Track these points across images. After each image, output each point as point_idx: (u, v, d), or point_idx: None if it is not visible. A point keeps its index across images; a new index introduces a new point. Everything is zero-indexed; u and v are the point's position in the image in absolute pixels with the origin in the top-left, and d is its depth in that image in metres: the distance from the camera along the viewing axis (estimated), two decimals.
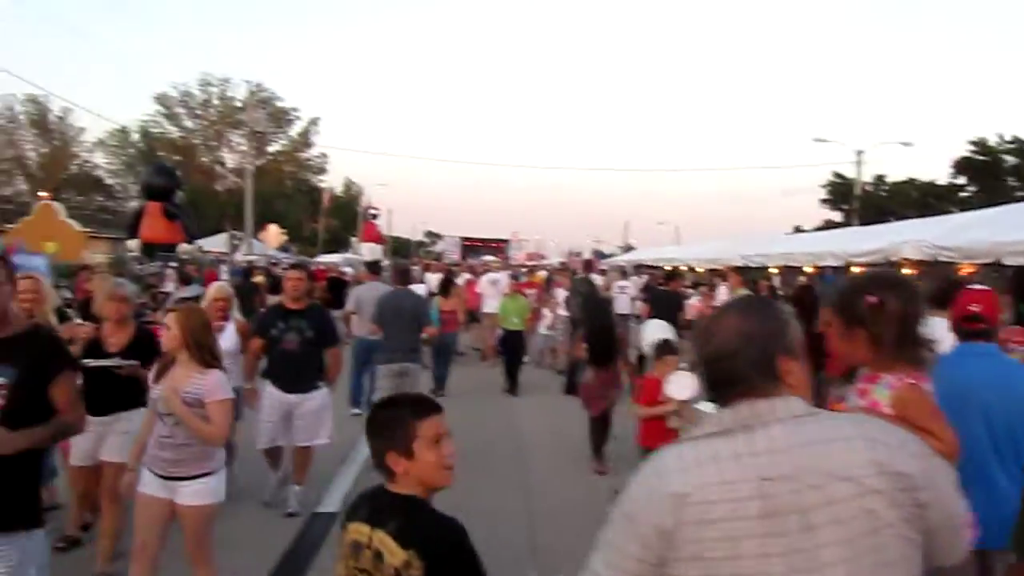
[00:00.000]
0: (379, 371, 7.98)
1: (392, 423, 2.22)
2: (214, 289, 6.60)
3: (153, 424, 4.01)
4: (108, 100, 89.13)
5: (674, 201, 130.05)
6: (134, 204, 32.32)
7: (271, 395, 6.26)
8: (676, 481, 1.50)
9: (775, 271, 19.00)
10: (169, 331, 4.01)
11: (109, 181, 57.38)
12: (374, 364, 8.50)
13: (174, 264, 23.48)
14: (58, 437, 3.16)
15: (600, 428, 7.45)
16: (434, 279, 15.42)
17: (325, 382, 6.44)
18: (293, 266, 7.26)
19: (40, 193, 44.79)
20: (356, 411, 9.46)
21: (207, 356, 3.99)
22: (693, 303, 12.90)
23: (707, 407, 4.50)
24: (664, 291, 11.44)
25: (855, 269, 11.12)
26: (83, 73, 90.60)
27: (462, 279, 16.85)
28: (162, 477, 3.92)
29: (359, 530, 2.21)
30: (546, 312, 13.64)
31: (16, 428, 2.72)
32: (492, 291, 14.87)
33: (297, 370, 6.15)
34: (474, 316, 15.41)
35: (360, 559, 2.17)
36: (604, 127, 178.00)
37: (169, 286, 21.37)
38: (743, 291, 10.10)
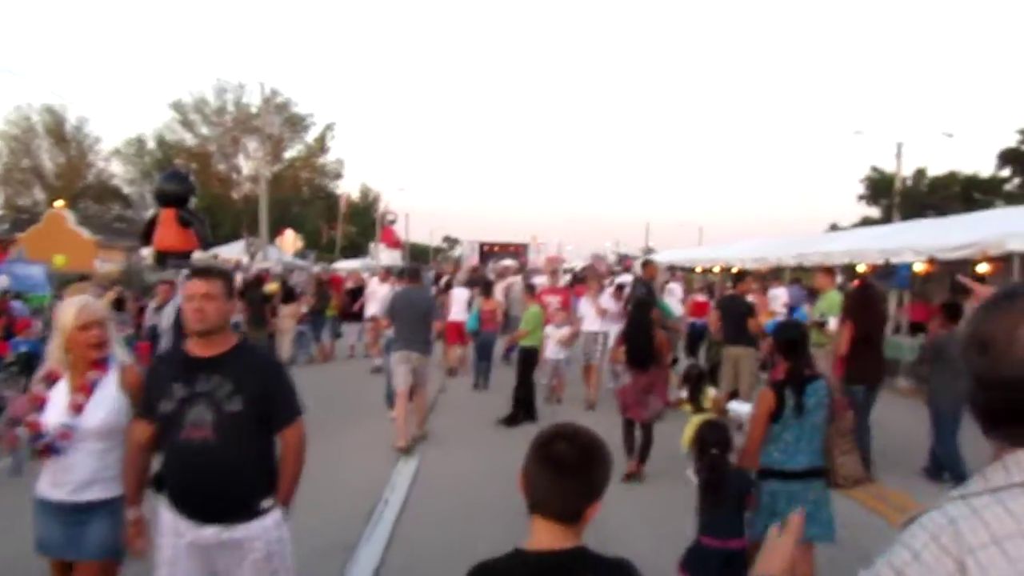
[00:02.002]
0: (392, 357, 8.51)
1: (607, 465, 1.88)
2: (74, 307, 3.37)
3: None
4: (124, 109, 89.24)
5: (694, 202, 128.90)
6: (150, 212, 31.73)
7: (170, 529, 3.12)
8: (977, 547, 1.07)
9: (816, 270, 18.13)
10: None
11: (126, 190, 57.37)
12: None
13: (185, 271, 22.78)
14: None
15: (632, 433, 7.17)
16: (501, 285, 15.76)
17: (274, 499, 3.20)
18: (197, 272, 3.31)
19: (56, 203, 44.74)
20: (391, 414, 8.79)
21: None
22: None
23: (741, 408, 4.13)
24: (732, 298, 9.69)
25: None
26: (99, 81, 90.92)
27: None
28: None
29: None
30: (561, 327, 10.50)
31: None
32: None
33: (212, 479, 3.03)
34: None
35: None
36: (624, 124, 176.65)
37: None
38: (833, 293, 8.73)
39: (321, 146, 52.15)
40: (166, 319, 7.87)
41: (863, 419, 7.08)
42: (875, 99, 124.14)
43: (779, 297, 13.65)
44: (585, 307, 10.83)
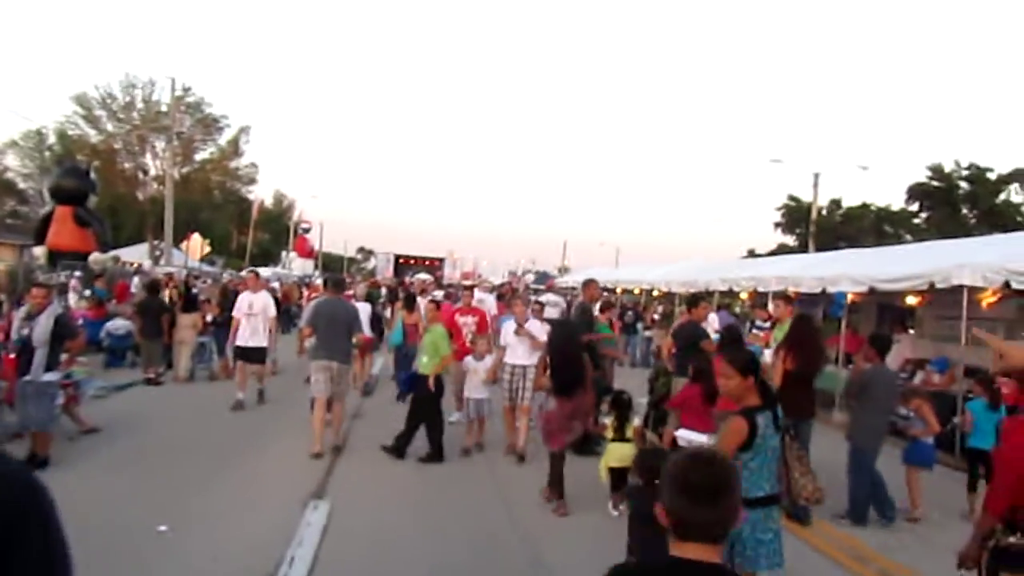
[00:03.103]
0: (312, 366, 8.68)
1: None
2: None
3: None
4: (24, 100, 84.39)
5: (612, 223, 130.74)
6: (46, 209, 29.78)
7: None
8: None
9: (745, 295, 18.15)
10: None
11: (22, 185, 54.33)
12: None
13: (78, 274, 21.32)
14: None
15: (560, 464, 6.80)
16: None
17: None
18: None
19: None
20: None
21: None
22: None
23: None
24: (689, 325, 8.76)
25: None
26: None
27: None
28: None
29: None
30: (481, 359, 9.02)
31: None
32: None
33: None
34: None
35: None
36: (543, 142, 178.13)
37: (72, 299, 19.39)
38: (786, 323, 8.28)
39: (235, 149, 50.27)
40: (40, 330, 6.89)
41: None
42: (793, 129, 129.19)
43: (712, 323, 13.42)
44: (509, 334, 8.75)
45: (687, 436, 4.58)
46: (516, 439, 8.52)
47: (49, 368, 7.08)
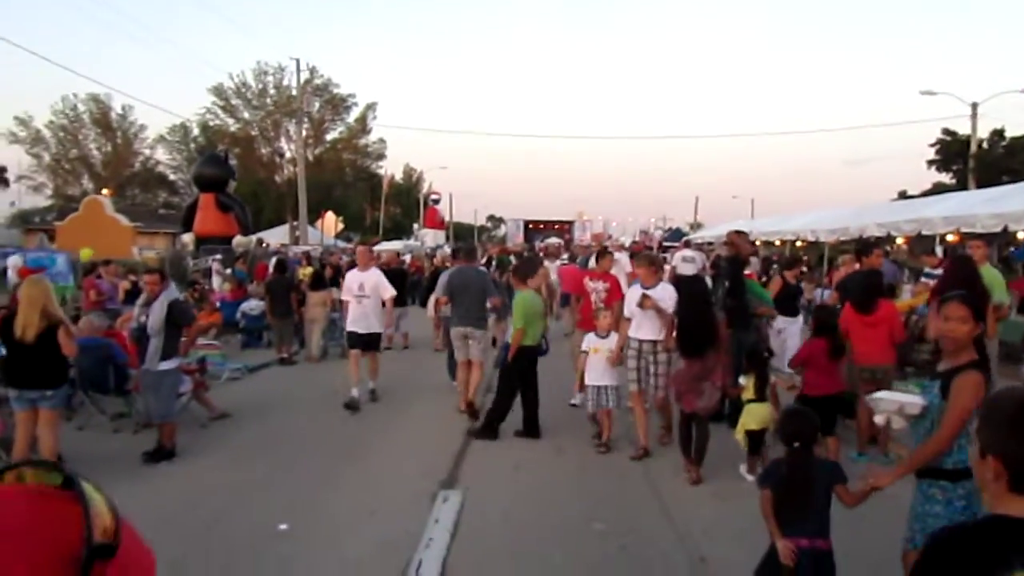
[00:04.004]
0: (452, 333, 8.98)
1: None
2: None
3: None
4: (169, 95, 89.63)
5: (743, 176, 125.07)
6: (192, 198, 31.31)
7: None
8: None
9: (901, 241, 16.36)
10: None
11: (172, 177, 57.86)
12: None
13: (219, 257, 22.00)
14: None
15: (690, 429, 6.37)
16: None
17: None
18: None
19: (104, 191, 44.84)
20: (454, 382, 9.49)
21: None
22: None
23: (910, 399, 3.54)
24: (861, 275, 7.60)
25: None
26: (143, 69, 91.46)
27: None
28: None
29: None
30: (605, 337, 7.33)
31: None
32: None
33: None
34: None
35: None
36: (673, 95, 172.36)
37: (216, 281, 20.00)
38: (989, 268, 7.14)
39: (363, 126, 51.13)
40: (155, 318, 6.66)
41: None
42: (944, 57, 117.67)
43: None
44: (634, 304, 6.91)
45: (891, 398, 3.77)
46: (641, 434, 6.99)
47: (167, 356, 6.84)
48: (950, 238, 14.70)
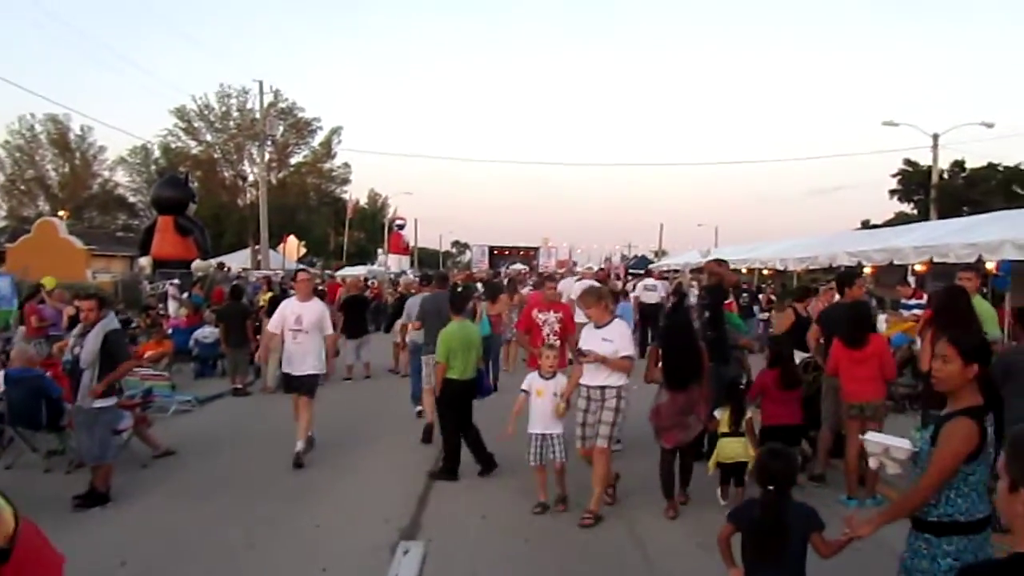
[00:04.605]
0: (423, 360, 8.79)
1: None
2: None
3: None
4: (129, 117, 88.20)
5: (707, 204, 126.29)
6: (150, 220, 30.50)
7: None
8: None
9: (868, 271, 16.24)
10: None
11: (131, 199, 56.67)
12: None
13: (176, 282, 21.25)
14: None
15: (670, 462, 6.19)
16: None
17: None
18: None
19: (59, 213, 43.61)
20: (418, 408, 9.44)
21: None
22: None
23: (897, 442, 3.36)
24: (842, 306, 7.21)
25: None
26: (102, 90, 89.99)
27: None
28: None
29: None
30: (551, 378, 6.33)
31: None
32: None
33: None
34: None
35: None
36: (635, 125, 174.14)
37: (172, 307, 19.26)
38: (980, 300, 6.85)
39: (327, 150, 50.56)
40: (88, 349, 6.02)
41: None
42: (906, 89, 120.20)
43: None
44: (587, 342, 6.08)
45: (877, 440, 3.53)
46: (593, 498, 5.94)
47: (104, 392, 6.23)
48: (918, 268, 14.63)
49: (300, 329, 7.88)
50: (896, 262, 14.48)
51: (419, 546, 5.32)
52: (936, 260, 12.98)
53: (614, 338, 5.99)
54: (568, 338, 7.59)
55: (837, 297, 8.06)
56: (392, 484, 6.93)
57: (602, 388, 5.98)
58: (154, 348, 12.45)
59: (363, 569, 4.98)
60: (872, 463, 3.66)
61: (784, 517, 3.34)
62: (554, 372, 6.32)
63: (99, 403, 6.16)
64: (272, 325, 8.35)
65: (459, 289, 9.34)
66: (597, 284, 8.78)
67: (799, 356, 7.82)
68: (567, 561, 5.15)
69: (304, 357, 7.87)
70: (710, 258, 8.86)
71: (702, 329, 7.41)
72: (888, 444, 3.41)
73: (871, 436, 3.66)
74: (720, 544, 3.54)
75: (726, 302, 7.84)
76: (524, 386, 6.34)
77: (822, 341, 7.12)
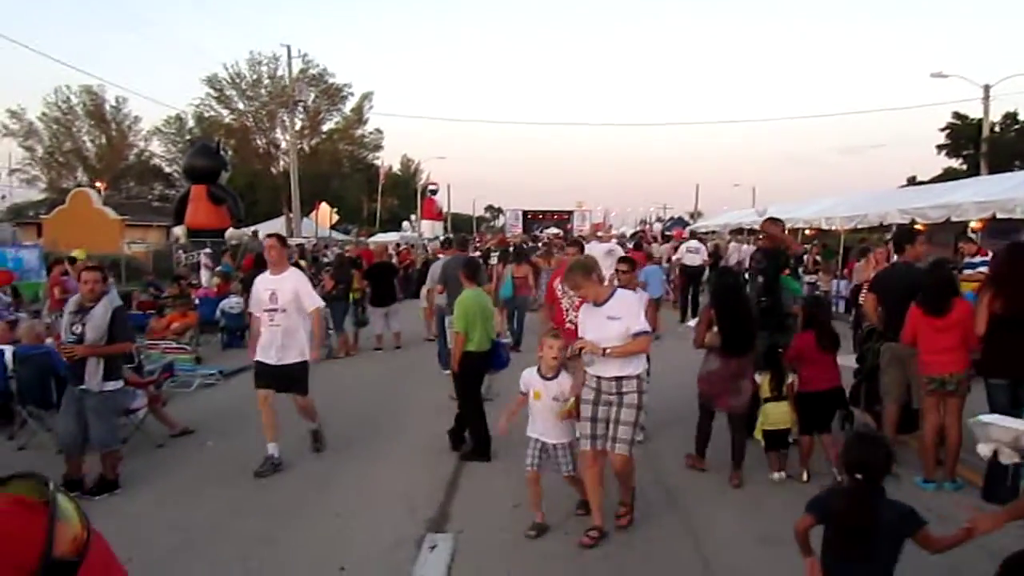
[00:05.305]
0: (447, 320, 8.69)
1: None
2: None
3: None
4: (163, 87, 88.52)
5: (744, 164, 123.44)
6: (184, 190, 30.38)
7: None
8: None
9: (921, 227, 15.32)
10: None
11: (167, 169, 56.96)
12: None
13: (207, 251, 21.03)
14: None
15: (709, 422, 6.26)
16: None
17: None
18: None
19: (98, 183, 43.87)
20: (446, 371, 8.78)
21: None
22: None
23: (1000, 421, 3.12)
24: (898, 268, 6.62)
25: None
26: (137, 61, 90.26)
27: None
28: None
29: None
30: (547, 374, 5.14)
31: None
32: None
33: None
34: None
35: None
36: (673, 81, 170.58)
37: (204, 276, 19.04)
38: None
39: (359, 117, 50.00)
40: (94, 326, 5.50)
41: None
42: (954, 38, 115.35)
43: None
44: (588, 324, 4.90)
45: (1003, 424, 3.04)
46: (594, 510, 4.93)
47: (111, 374, 5.75)
48: (973, 224, 13.71)
49: (275, 308, 6.48)
50: (954, 219, 13.58)
51: (447, 540, 4.83)
52: (1000, 215, 12.08)
53: (621, 314, 4.70)
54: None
55: (895, 258, 7.35)
56: (420, 468, 6.45)
57: (617, 379, 4.73)
58: (179, 320, 12.12)
59: (385, 567, 4.50)
60: (984, 450, 3.16)
61: (874, 512, 2.89)
62: (557, 370, 5.06)
63: (109, 386, 5.71)
64: (252, 306, 6.87)
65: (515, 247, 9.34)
66: (618, 249, 8.16)
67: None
68: (613, 557, 4.62)
69: (284, 342, 6.46)
70: (766, 217, 8.13)
71: (755, 294, 6.81)
72: (1020, 431, 2.84)
73: (994, 419, 3.12)
74: (797, 537, 3.14)
75: (784, 270, 7.14)
76: (522, 386, 5.18)
77: (880, 306, 6.47)
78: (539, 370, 5.09)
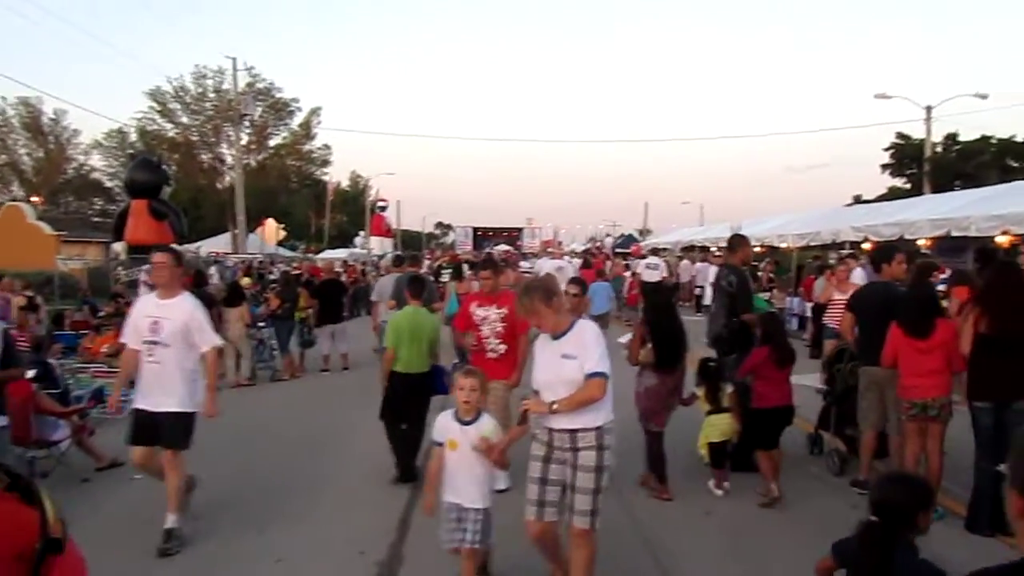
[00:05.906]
0: None
1: None
2: None
3: None
4: (104, 100, 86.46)
5: (692, 182, 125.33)
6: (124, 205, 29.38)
7: None
8: None
9: (867, 247, 15.41)
10: None
11: (108, 184, 55.32)
12: None
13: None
14: None
15: (659, 444, 6.13)
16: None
17: None
18: None
19: (34, 198, 42.26)
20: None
21: None
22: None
23: None
24: (877, 287, 6.39)
25: None
26: (75, 72, 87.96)
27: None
28: None
29: None
30: (465, 418, 4.20)
31: None
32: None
33: None
34: None
35: None
36: (618, 103, 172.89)
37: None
38: None
39: (307, 132, 49.20)
40: None
41: (987, 453, 5.06)
42: (898, 61, 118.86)
43: (857, 280, 10.71)
44: (541, 364, 4.08)
45: None
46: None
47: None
48: (920, 243, 13.80)
49: (156, 341, 5.13)
50: (908, 236, 13.65)
51: None
52: (956, 234, 12.14)
53: (577, 352, 3.87)
54: (519, 339, 6.09)
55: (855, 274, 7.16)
56: (369, 503, 6.00)
57: (572, 433, 3.87)
58: (112, 340, 11.42)
59: None
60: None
61: (886, 560, 2.62)
62: (476, 412, 4.15)
63: None
64: (125, 335, 5.46)
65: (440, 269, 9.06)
66: (568, 266, 7.99)
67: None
68: None
69: (166, 384, 5.12)
70: (734, 234, 7.95)
71: (726, 315, 6.58)
72: None
73: None
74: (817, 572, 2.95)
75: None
76: (436, 436, 4.22)
77: (856, 327, 6.27)
78: (455, 413, 4.17)
